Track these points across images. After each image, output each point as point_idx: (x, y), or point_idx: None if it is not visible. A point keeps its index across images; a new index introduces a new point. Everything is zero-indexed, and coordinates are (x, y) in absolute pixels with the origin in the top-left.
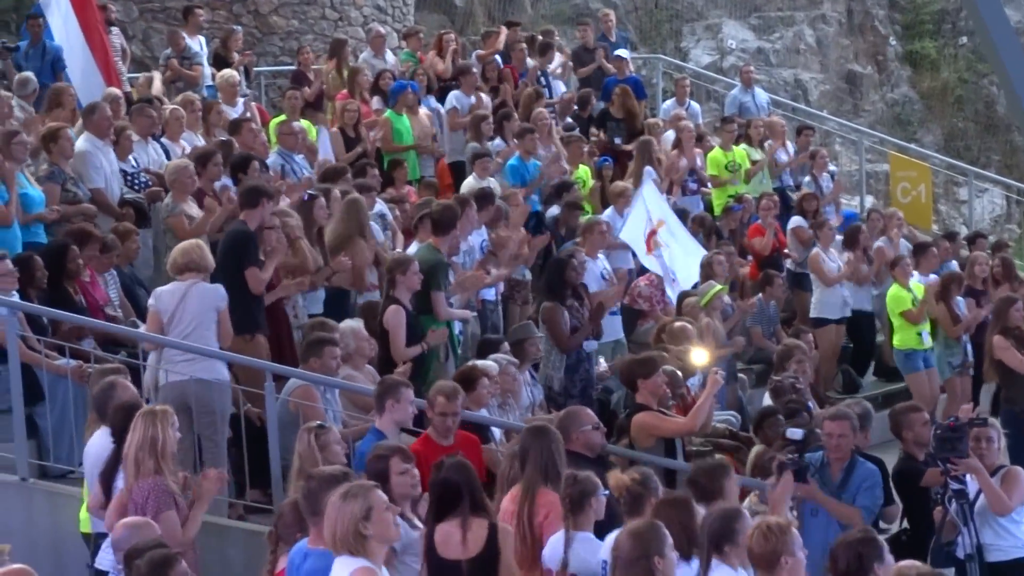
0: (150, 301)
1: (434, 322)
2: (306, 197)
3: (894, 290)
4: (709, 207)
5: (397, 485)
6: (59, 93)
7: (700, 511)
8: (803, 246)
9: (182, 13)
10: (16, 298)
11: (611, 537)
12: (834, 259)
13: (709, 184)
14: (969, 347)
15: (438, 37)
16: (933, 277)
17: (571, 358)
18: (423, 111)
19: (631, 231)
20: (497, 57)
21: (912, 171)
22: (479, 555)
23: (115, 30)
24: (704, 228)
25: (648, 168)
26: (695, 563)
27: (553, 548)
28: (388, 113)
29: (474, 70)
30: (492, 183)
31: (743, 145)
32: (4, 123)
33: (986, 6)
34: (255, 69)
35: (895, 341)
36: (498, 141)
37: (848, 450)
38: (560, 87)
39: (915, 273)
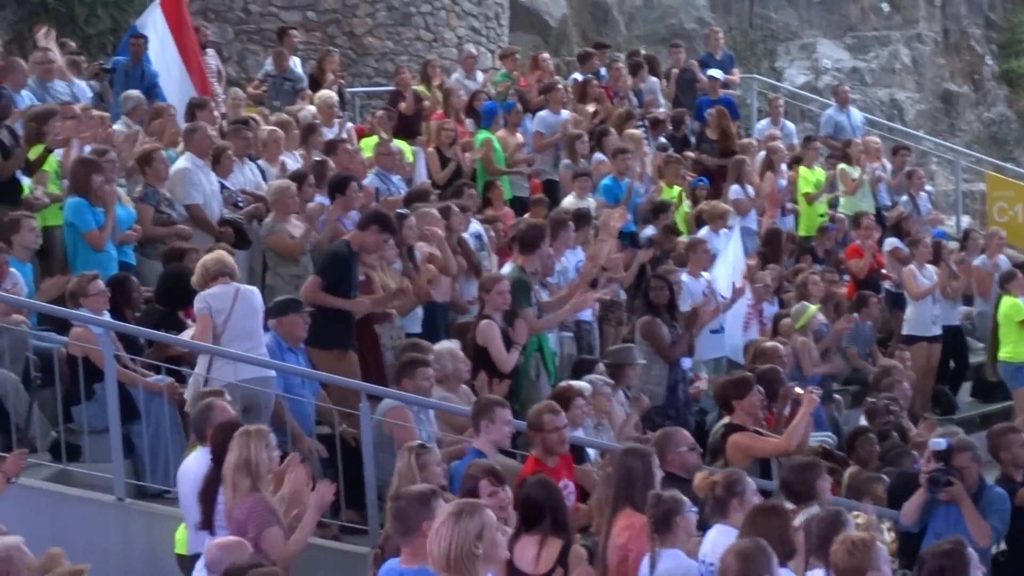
0: (198, 305)
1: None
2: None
3: (1009, 301)
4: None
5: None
6: (160, 112)
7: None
8: (902, 265)
9: (277, 34)
10: (107, 318)
11: (708, 539)
12: (928, 276)
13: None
14: None
15: (534, 58)
16: None
17: (671, 377)
18: (519, 133)
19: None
20: (592, 75)
21: (1009, 191)
22: (548, 574)
23: (211, 51)
24: (797, 247)
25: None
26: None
27: (642, 571)
28: (485, 134)
29: (559, 86)
30: (590, 203)
31: (842, 165)
32: (98, 142)
33: None
34: (349, 90)
35: (1004, 353)
36: (598, 154)
37: (975, 478)
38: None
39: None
